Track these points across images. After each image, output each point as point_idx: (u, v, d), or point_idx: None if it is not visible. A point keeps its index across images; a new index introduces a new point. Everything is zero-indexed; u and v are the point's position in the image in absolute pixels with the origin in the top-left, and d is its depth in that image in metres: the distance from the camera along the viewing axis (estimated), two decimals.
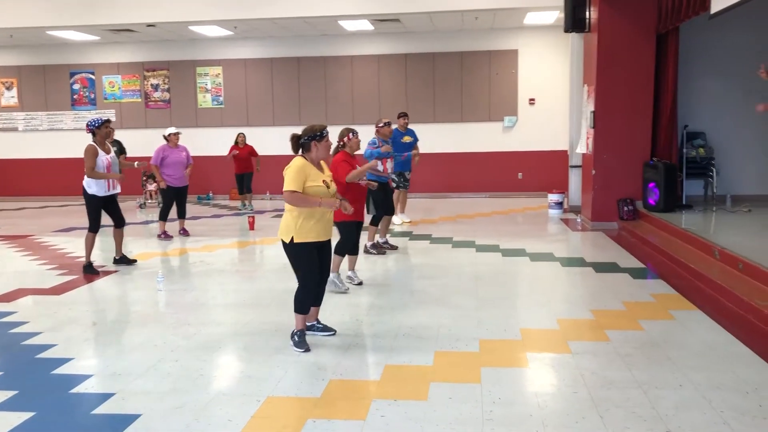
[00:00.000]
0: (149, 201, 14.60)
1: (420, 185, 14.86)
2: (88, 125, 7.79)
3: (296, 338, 4.96)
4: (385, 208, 8.43)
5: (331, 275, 6.53)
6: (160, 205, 10.52)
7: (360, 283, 6.90)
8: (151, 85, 15.83)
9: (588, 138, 10.79)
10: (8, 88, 16.26)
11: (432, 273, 7.53)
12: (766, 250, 6.86)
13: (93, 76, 15.98)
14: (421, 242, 9.48)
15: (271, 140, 14.39)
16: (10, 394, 4.24)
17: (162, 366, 4.69)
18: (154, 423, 3.79)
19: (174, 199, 10.10)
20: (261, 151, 13.68)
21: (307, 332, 5.13)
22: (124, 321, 6.04)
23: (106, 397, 4.14)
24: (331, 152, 6.75)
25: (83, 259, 7.96)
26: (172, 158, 9.90)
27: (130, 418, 3.83)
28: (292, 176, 4.85)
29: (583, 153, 11.24)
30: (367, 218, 8.57)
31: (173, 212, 10.22)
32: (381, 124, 8.54)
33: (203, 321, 5.81)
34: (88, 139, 7.84)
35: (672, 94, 10.23)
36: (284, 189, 4.85)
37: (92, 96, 16.03)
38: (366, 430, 3.65)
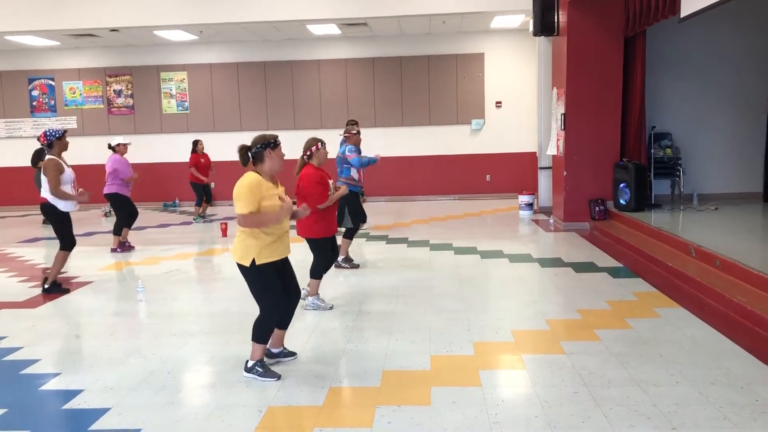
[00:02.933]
0: None
1: (389, 188, 14.94)
2: (46, 136, 6.98)
3: (259, 369, 4.49)
4: (362, 217, 8.40)
5: (310, 299, 6.22)
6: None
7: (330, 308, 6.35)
8: (114, 90, 15.50)
9: (558, 140, 10.94)
10: None
11: (414, 276, 7.53)
12: (741, 246, 7.08)
13: (53, 83, 15.58)
14: (399, 245, 9.48)
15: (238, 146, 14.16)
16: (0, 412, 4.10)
17: (155, 378, 4.59)
18: None
19: (130, 207, 9.73)
20: (227, 156, 13.41)
21: (274, 359, 4.77)
22: (107, 333, 5.85)
23: (102, 411, 4.03)
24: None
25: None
26: (125, 169, 9.57)
27: None
28: (245, 196, 4.26)
29: (554, 154, 11.39)
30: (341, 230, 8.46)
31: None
32: (354, 132, 8.47)
33: (190, 331, 5.70)
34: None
35: (640, 96, 10.45)
36: (237, 212, 4.30)
37: (52, 103, 15.63)
38: None
